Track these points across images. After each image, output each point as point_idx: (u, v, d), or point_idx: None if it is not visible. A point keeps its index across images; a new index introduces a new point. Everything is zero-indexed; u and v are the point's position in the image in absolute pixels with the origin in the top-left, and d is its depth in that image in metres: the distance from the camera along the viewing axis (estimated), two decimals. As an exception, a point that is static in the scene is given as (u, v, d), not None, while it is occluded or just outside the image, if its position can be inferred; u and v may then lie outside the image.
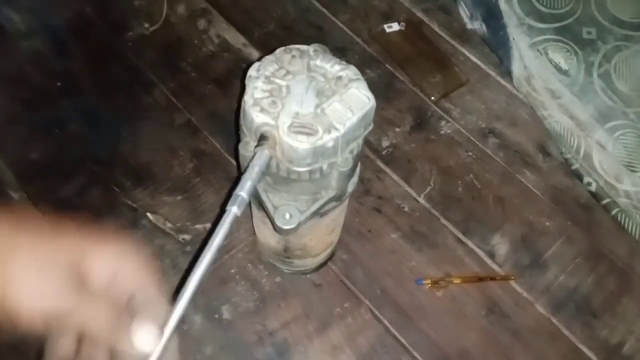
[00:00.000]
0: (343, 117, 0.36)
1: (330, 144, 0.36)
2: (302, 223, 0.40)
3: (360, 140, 0.39)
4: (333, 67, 0.38)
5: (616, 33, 0.67)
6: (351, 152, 0.38)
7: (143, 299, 0.31)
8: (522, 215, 0.64)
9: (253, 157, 0.36)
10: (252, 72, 0.38)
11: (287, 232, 0.39)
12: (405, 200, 0.64)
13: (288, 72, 0.38)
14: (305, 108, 0.36)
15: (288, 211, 0.39)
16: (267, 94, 0.37)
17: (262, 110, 0.36)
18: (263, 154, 0.36)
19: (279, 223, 0.39)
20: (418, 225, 0.62)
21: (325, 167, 0.37)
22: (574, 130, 0.66)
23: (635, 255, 0.62)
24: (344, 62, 0.39)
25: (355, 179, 0.44)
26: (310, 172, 0.37)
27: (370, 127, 0.39)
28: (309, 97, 0.37)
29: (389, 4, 0.78)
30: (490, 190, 0.65)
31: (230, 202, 0.34)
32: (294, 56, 0.38)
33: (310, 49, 0.39)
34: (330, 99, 0.37)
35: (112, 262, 0.32)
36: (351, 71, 0.38)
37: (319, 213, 0.42)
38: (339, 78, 0.38)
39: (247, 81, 0.37)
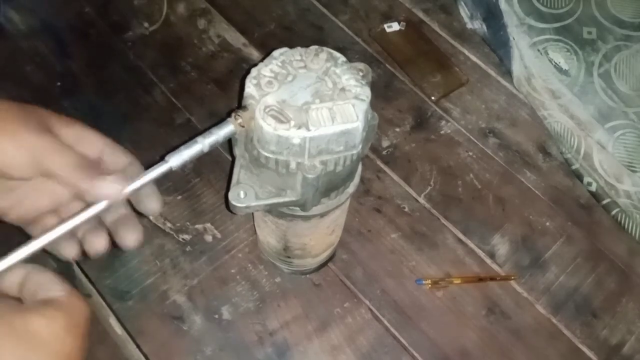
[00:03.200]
0: (321, 122, 0.35)
1: (295, 141, 0.35)
2: (252, 208, 0.39)
3: (340, 160, 0.37)
4: (348, 80, 0.37)
5: (616, 33, 0.67)
6: (323, 163, 0.37)
7: (110, 154, 0.38)
8: (522, 215, 0.64)
9: (220, 123, 0.36)
10: (276, 52, 0.38)
11: (234, 208, 0.39)
12: (405, 200, 0.63)
13: (305, 66, 0.38)
14: (294, 101, 0.36)
15: (246, 191, 0.39)
16: (272, 75, 0.37)
17: (257, 85, 0.36)
18: (227, 126, 0.36)
19: (230, 197, 0.39)
20: (418, 225, 0.62)
21: (292, 164, 0.37)
22: (574, 130, 0.66)
23: (635, 256, 0.62)
24: (363, 82, 0.37)
25: (356, 180, 0.44)
26: (277, 162, 0.37)
27: (355, 152, 0.37)
28: (305, 93, 0.36)
29: (389, 4, 0.78)
30: (490, 190, 0.65)
31: (170, 154, 0.35)
32: (320, 56, 0.38)
33: (342, 58, 0.38)
34: (322, 103, 0.36)
35: (77, 129, 0.37)
36: (362, 90, 0.37)
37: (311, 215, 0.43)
38: (345, 90, 0.37)
39: (269, 56, 0.38)
